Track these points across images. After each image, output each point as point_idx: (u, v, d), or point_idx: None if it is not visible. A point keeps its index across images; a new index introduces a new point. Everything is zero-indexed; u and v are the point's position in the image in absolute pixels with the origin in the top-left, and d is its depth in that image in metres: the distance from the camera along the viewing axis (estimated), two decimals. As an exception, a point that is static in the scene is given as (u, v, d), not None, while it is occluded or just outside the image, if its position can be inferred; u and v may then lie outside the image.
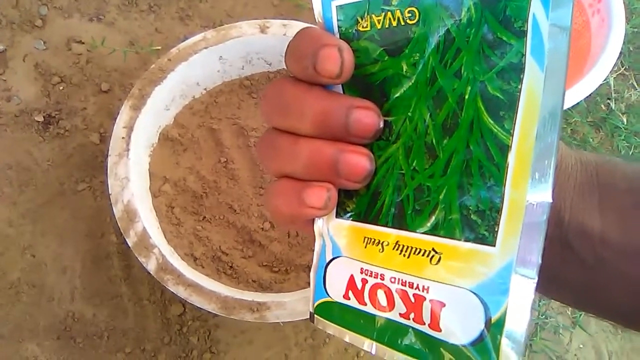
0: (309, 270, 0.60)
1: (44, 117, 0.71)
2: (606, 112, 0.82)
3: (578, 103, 0.67)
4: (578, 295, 0.24)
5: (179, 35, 0.76)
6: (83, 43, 0.75)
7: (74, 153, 0.70)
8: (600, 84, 0.65)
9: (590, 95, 0.65)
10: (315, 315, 0.26)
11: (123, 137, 0.57)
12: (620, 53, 0.67)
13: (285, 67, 0.66)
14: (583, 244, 0.22)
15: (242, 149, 0.65)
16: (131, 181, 0.56)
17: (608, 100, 0.83)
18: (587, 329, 0.72)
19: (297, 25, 0.62)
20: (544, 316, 0.72)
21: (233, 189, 0.63)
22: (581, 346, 0.72)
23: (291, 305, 0.53)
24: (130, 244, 0.54)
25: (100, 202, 0.69)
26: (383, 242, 0.23)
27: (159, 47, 0.75)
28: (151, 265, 0.53)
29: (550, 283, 0.22)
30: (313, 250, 0.25)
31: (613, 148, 0.81)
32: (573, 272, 0.23)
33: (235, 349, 0.66)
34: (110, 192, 0.55)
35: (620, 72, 0.84)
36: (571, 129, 0.81)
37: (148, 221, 0.56)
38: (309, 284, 0.58)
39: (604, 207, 0.22)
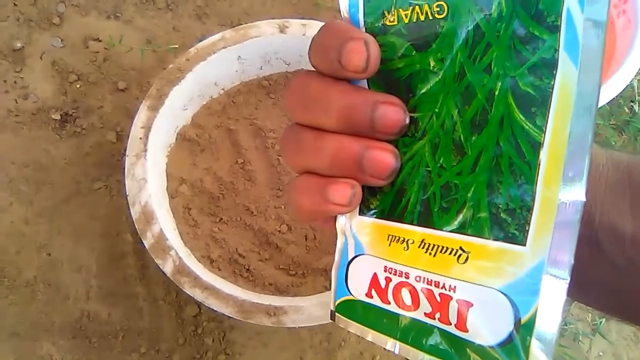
0: (326, 274, 0.59)
1: (60, 115, 0.71)
2: (629, 115, 0.81)
3: (601, 106, 0.66)
4: (606, 299, 0.24)
5: (196, 34, 0.76)
6: (100, 41, 0.74)
7: (91, 151, 0.70)
8: (624, 87, 0.64)
9: (613, 98, 0.64)
10: (337, 314, 0.25)
11: (140, 138, 0.57)
12: (646, 55, 0.65)
13: (303, 68, 0.65)
14: (613, 245, 0.21)
15: (259, 150, 0.64)
16: (148, 182, 0.55)
17: (631, 103, 0.81)
18: (608, 336, 0.71)
19: (316, 25, 0.61)
20: (563, 323, 0.71)
21: (250, 190, 0.62)
22: (601, 354, 0.71)
23: (308, 309, 0.52)
24: (147, 246, 0.53)
25: (116, 201, 0.69)
26: (408, 240, 0.22)
27: (176, 46, 0.75)
28: (168, 268, 0.53)
29: (577, 285, 0.22)
30: (330, 254, 0.25)
31: (636, 151, 0.80)
32: (602, 274, 0.22)
33: (250, 351, 0.65)
34: (127, 194, 0.55)
35: (644, 74, 0.82)
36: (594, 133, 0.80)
37: (165, 223, 0.56)
38: (326, 287, 0.58)
39: (636, 207, 0.21)
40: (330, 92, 0.22)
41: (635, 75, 0.80)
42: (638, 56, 0.65)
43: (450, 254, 0.21)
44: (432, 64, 0.21)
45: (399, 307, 0.22)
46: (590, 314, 0.72)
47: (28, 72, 0.72)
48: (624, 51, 0.66)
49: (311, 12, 0.79)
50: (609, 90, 0.63)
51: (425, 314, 0.21)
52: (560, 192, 0.18)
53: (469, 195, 0.20)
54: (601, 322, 0.71)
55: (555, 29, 0.18)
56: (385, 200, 0.24)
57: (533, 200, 0.18)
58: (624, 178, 0.22)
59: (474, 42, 0.20)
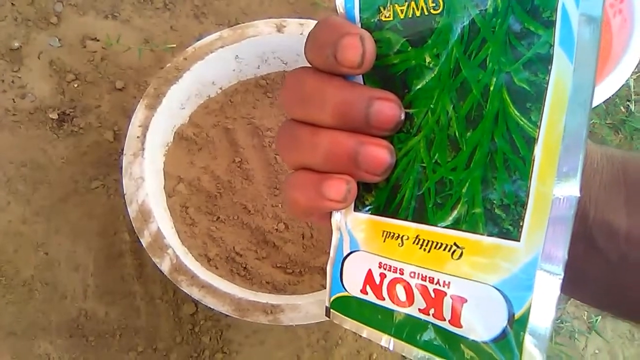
0: (323, 273, 0.59)
1: (58, 114, 0.71)
2: (625, 115, 0.81)
3: (597, 105, 0.66)
4: (600, 295, 0.24)
5: (194, 33, 0.76)
6: (98, 40, 0.74)
7: (88, 151, 0.70)
8: (620, 86, 0.64)
9: (609, 97, 0.64)
10: (332, 310, 0.26)
11: (138, 137, 0.57)
12: (642, 54, 0.65)
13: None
14: (608, 241, 0.21)
15: (256, 148, 0.64)
16: (146, 181, 0.56)
17: (627, 102, 0.81)
18: (603, 334, 0.71)
19: (314, 25, 0.61)
20: (559, 320, 0.71)
21: (247, 189, 0.63)
22: (597, 352, 0.71)
23: (305, 307, 0.52)
24: (144, 244, 0.53)
25: (113, 200, 0.69)
26: (403, 236, 0.22)
27: (174, 45, 0.75)
28: (165, 266, 0.53)
29: (572, 281, 0.22)
30: (327, 253, 0.25)
31: (632, 150, 0.80)
32: (596, 270, 0.22)
33: (247, 350, 0.65)
34: (124, 192, 0.55)
35: (640, 73, 0.83)
36: (589, 131, 0.80)
37: (162, 221, 0.56)
38: (323, 286, 0.58)
39: (631, 204, 0.21)
40: (326, 87, 0.22)
41: (631, 75, 0.80)
42: (634, 55, 0.65)
43: (444, 249, 0.21)
44: (427, 59, 0.21)
45: (393, 303, 0.22)
46: (586, 312, 0.72)
47: (25, 71, 0.72)
48: (620, 50, 0.66)
49: (309, 12, 0.79)
50: (605, 90, 0.63)
51: (419, 309, 0.21)
52: (554, 188, 0.18)
53: (464, 191, 0.20)
54: (597, 320, 0.72)
55: (550, 25, 0.18)
56: (380, 196, 0.24)
57: (527, 195, 0.18)
58: (619, 175, 0.22)
59: (469, 37, 0.20)
